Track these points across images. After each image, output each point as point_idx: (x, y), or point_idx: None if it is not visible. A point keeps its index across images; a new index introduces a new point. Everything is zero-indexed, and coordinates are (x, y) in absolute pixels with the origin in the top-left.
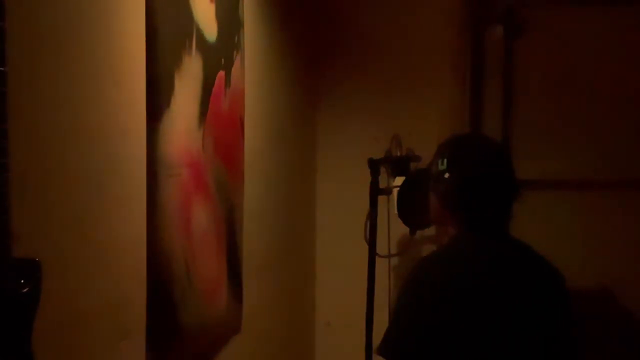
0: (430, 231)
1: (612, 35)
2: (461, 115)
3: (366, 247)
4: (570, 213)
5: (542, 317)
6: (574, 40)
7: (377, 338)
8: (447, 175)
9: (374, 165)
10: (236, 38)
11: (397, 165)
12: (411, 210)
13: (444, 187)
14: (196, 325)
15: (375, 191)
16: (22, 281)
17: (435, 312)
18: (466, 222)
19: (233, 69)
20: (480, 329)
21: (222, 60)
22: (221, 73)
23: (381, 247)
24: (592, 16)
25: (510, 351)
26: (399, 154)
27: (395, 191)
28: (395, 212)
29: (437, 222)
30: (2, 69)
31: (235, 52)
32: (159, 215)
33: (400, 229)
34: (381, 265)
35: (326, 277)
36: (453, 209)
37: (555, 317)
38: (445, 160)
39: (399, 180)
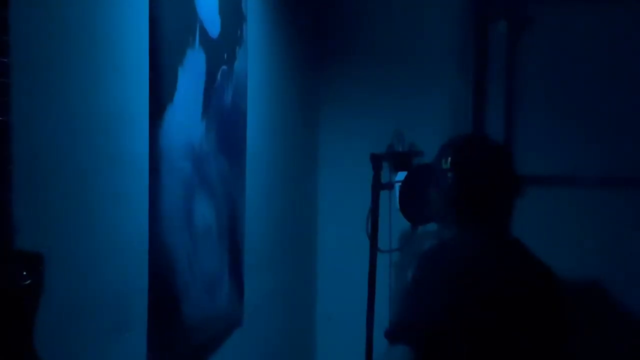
0: (432, 226)
1: (616, 31)
2: (464, 111)
3: (367, 241)
4: (571, 209)
5: (526, 310)
6: (578, 35)
7: (378, 332)
8: (450, 174)
9: (376, 160)
10: (239, 32)
11: (399, 160)
12: (413, 205)
13: (447, 186)
14: (198, 319)
15: (377, 186)
16: (25, 273)
17: (435, 301)
18: (467, 219)
19: (236, 64)
20: (473, 319)
21: (225, 55)
22: (224, 68)
23: (383, 242)
24: (597, 12)
25: (497, 343)
26: (401, 149)
27: (397, 186)
28: (397, 207)
29: (439, 219)
30: (4, 60)
31: (238, 47)
32: (161, 208)
33: (402, 223)
34: (382, 260)
35: (327, 271)
36: (455, 206)
37: (538, 312)
38: (448, 160)
39: (401, 175)
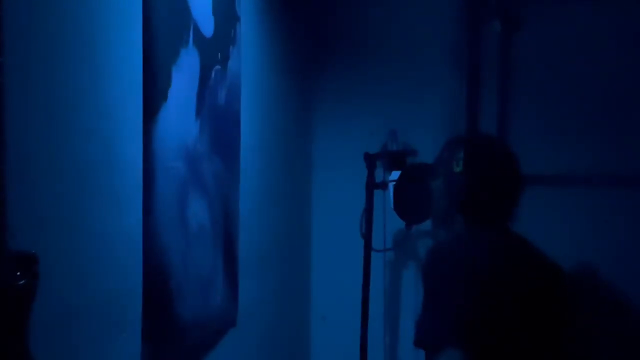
0: (426, 226)
1: (611, 29)
2: (458, 110)
3: (362, 241)
4: (567, 208)
5: (531, 306)
6: (572, 35)
7: (372, 332)
8: (462, 176)
9: (370, 160)
10: (233, 32)
11: (393, 159)
12: (407, 204)
13: (459, 188)
14: (192, 319)
15: (371, 185)
16: (19, 273)
17: (443, 299)
18: (475, 219)
19: (230, 64)
20: (480, 315)
21: (219, 54)
22: (218, 67)
23: (377, 241)
24: (592, 10)
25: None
26: (395, 148)
27: (391, 185)
28: (391, 206)
29: (440, 218)
30: None
31: (231, 47)
32: (155, 208)
33: (396, 223)
34: (377, 260)
35: (322, 271)
36: (464, 207)
37: (542, 307)
38: (461, 162)
39: (395, 175)
